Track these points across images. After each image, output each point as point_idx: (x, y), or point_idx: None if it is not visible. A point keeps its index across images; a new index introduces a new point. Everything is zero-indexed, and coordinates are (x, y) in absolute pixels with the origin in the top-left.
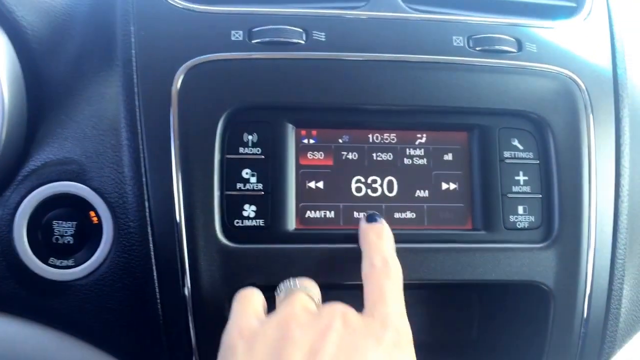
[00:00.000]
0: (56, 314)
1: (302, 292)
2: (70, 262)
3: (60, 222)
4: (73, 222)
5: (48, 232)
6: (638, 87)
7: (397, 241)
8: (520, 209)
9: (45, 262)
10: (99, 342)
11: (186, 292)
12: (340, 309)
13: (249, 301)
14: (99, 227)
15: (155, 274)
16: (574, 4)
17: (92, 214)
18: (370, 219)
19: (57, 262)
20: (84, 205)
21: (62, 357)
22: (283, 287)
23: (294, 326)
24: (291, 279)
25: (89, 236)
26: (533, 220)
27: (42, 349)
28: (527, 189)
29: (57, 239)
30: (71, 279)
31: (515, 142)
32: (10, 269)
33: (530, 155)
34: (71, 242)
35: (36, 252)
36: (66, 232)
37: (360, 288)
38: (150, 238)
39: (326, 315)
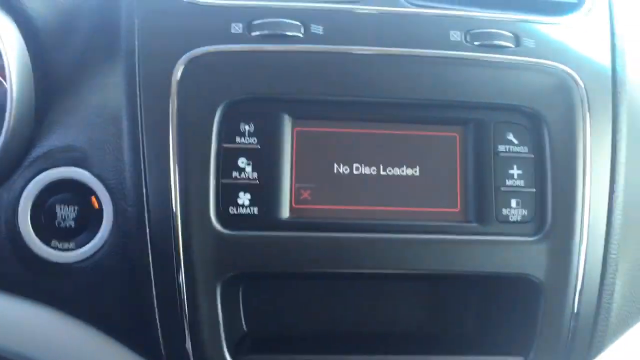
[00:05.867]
0: (57, 295)
1: None
2: (71, 245)
3: (63, 206)
4: (75, 207)
5: (51, 216)
6: (637, 84)
7: (389, 232)
8: (514, 202)
9: (47, 244)
10: (97, 323)
11: (180, 277)
12: None
13: None
14: (99, 211)
15: (150, 258)
16: (575, 0)
17: (93, 199)
18: None
19: (59, 245)
20: (86, 191)
21: (61, 335)
22: None
23: None
24: None
25: (90, 220)
26: (526, 213)
27: (43, 328)
28: (520, 182)
29: (59, 223)
30: (72, 261)
31: (510, 136)
32: (15, 250)
33: (525, 149)
34: (73, 225)
35: (39, 235)
36: (68, 216)
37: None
38: (147, 223)
39: None
